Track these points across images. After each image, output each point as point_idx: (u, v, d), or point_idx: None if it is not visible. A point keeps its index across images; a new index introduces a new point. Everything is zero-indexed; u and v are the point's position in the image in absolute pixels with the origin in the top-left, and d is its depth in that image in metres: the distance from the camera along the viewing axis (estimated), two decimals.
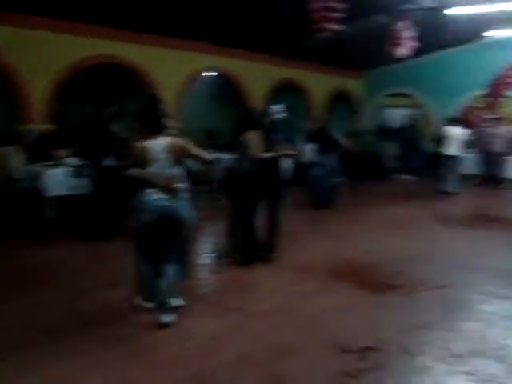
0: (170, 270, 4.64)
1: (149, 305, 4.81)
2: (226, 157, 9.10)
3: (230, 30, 12.15)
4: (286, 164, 11.57)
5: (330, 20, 8.85)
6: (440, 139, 12.88)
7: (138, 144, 4.67)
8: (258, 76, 14.55)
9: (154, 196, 4.60)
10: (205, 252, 7.20)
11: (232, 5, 10.12)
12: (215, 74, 14.88)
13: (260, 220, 6.59)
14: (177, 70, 12.54)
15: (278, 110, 6.56)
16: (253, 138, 6.21)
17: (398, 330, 4.52)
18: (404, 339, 4.34)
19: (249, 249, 6.46)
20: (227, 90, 15.47)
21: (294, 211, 10.09)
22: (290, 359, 3.96)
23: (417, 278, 5.99)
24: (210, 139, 14.41)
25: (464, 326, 4.69)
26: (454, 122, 13.23)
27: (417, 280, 5.90)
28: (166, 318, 4.54)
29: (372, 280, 5.91)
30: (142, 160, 4.61)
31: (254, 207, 6.46)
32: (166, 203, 4.60)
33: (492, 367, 3.90)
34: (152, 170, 4.60)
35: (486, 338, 4.41)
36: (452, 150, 12.64)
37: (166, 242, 4.70)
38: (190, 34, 12.07)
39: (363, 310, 5.01)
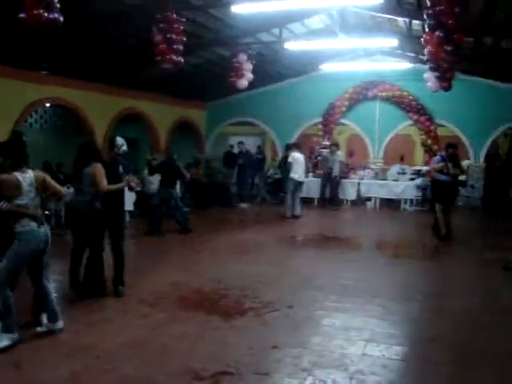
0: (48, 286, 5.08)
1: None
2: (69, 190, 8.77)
3: (70, 60, 11.79)
4: (130, 195, 11.53)
5: (172, 52, 9.00)
6: (286, 165, 13.49)
7: (10, 176, 4.63)
8: (100, 106, 14.21)
9: (34, 225, 4.75)
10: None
11: (72, 35, 9.86)
12: (54, 105, 14.36)
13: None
14: (11, 101, 11.75)
15: (122, 142, 6.51)
16: (97, 170, 6.05)
17: (250, 352, 4.65)
18: (255, 360, 4.47)
19: (90, 284, 6.30)
20: (69, 121, 15.00)
21: (140, 242, 9.99)
22: None
23: (264, 300, 6.20)
24: (54, 172, 13.70)
25: (309, 340, 4.96)
26: (295, 147, 13.96)
27: (265, 302, 6.11)
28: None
29: (221, 306, 6.00)
30: (14, 192, 4.64)
31: (97, 241, 6.33)
32: (47, 230, 4.92)
33: (335, 376, 4.17)
34: (25, 201, 4.69)
35: (329, 350, 4.71)
36: (297, 174, 13.29)
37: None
38: (25, 62, 11.49)
39: (214, 336, 5.06)
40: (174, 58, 9.02)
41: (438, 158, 10.82)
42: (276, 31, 12.88)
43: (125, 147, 6.56)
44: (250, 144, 20.35)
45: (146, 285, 6.91)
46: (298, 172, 13.27)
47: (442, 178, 10.34)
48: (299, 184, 13.46)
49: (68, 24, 6.78)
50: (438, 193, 10.54)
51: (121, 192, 6.44)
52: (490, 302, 6.45)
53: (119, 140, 6.54)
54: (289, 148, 14.24)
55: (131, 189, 6.61)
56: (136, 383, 4.04)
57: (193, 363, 4.38)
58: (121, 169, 6.39)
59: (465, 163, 16.98)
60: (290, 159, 13.42)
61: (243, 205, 15.47)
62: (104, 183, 6.01)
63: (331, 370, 4.30)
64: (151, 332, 5.16)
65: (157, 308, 5.91)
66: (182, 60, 9.27)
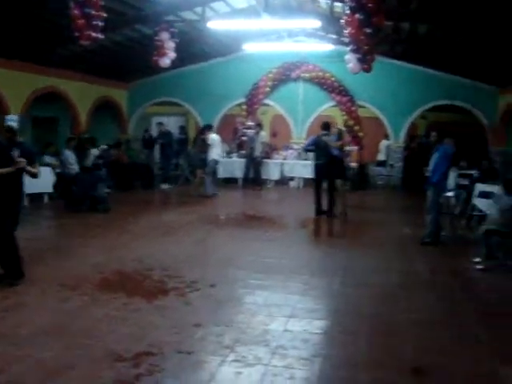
0: None
1: None
2: None
3: None
4: (49, 177, 11.21)
5: (91, 27, 8.68)
6: (205, 145, 13.50)
7: None
8: (16, 84, 13.51)
9: None
10: None
11: None
12: None
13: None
14: None
15: (14, 119, 6.15)
16: None
17: (173, 332, 4.63)
18: (178, 339, 4.46)
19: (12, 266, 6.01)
20: None
21: (61, 224, 9.70)
22: (63, 377, 3.78)
23: (187, 279, 6.19)
24: None
25: (232, 318, 5.00)
26: (210, 129, 14.15)
27: (188, 282, 6.10)
28: None
29: (144, 287, 5.93)
30: None
31: None
32: None
33: (257, 351, 4.24)
34: None
35: (251, 327, 4.77)
36: (217, 155, 13.36)
37: None
38: None
39: (136, 317, 5.00)
40: (93, 34, 8.69)
41: (333, 136, 11.07)
42: (199, 10, 12.70)
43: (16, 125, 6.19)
44: (175, 124, 20.15)
45: (67, 268, 6.70)
46: (218, 152, 13.46)
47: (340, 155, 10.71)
48: (216, 163, 13.74)
49: None
50: (341, 169, 10.87)
51: (15, 176, 5.98)
52: (407, 276, 6.74)
53: (10, 118, 6.20)
54: (207, 129, 14.23)
55: (27, 172, 6.14)
56: (55, 369, 3.91)
57: (114, 345, 4.31)
58: (16, 152, 5.91)
59: (384, 143, 17.61)
60: (209, 141, 13.52)
61: (164, 186, 15.27)
62: None
63: (253, 346, 4.36)
64: (71, 316, 5.02)
65: (77, 291, 5.74)
66: (102, 37, 8.96)
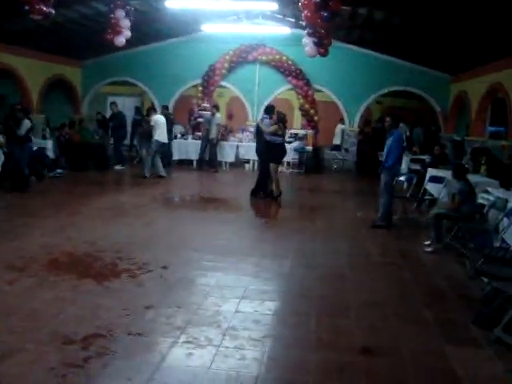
0: None
1: None
2: None
3: None
4: None
5: (41, 1, 8.41)
6: (149, 126, 13.41)
7: None
8: None
9: None
10: None
11: None
12: None
13: None
14: None
15: None
16: None
17: (123, 313, 4.59)
18: (129, 321, 4.43)
19: None
20: None
21: (8, 203, 9.44)
22: (8, 361, 3.70)
23: (139, 261, 6.14)
24: None
25: (184, 300, 5.00)
26: (154, 110, 14.26)
27: (139, 263, 6.05)
28: None
29: (95, 269, 5.85)
30: None
31: None
32: None
33: (209, 333, 4.26)
34: None
35: (203, 308, 4.79)
36: (161, 137, 13.33)
37: None
38: None
39: (86, 299, 4.94)
40: (44, 8, 8.45)
41: (267, 120, 11.13)
42: None
43: None
44: (131, 105, 19.84)
45: (14, 249, 6.53)
46: (161, 134, 13.38)
47: (278, 140, 10.74)
48: (162, 145, 13.62)
49: None
50: (275, 154, 10.87)
51: None
52: (357, 258, 6.87)
53: None
54: (149, 110, 14.15)
55: None
56: (2, 353, 3.81)
57: (63, 328, 4.25)
58: None
59: (339, 127, 17.80)
60: (152, 123, 13.44)
61: (118, 167, 14.98)
62: None
63: (205, 327, 4.37)
64: (18, 298, 4.90)
65: (25, 273, 5.62)
66: (53, 11, 8.70)
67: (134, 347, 4.00)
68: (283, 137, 11.08)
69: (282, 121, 10.82)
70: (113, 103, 15.76)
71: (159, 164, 13.50)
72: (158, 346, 4.04)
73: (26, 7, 8.36)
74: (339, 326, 4.57)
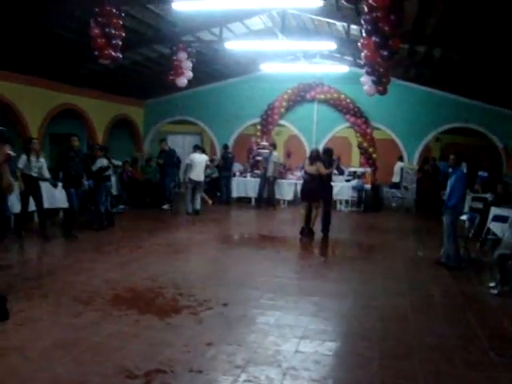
0: None
1: None
2: None
3: (3, 52, 11.36)
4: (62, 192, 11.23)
5: (110, 47, 8.83)
6: (186, 166, 13.69)
7: None
8: (35, 101, 13.75)
9: None
10: None
11: (4, 25, 9.52)
12: None
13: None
14: None
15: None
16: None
17: (185, 350, 4.63)
18: (190, 358, 4.46)
19: None
20: (1, 115, 14.48)
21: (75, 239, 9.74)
22: None
23: (200, 298, 6.20)
24: None
25: (244, 338, 5.00)
26: (198, 148, 14.20)
27: (200, 300, 6.11)
28: None
29: (156, 304, 5.96)
30: None
31: None
32: None
33: (269, 372, 4.23)
34: None
35: (263, 347, 4.76)
36: (194, 175, 13.48)
37: None
38: None
39: (148, 334, 5.02)
40: (112, 53, 8.85)
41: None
42: (216, 30, 12.86)
43: None
44: (190, 143, 20.25)
45: (79, 283, 6.75)
46: (195, 172, 13.50)
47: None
48: (198, 183, 13.66)
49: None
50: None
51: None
52: (419, 299, 6.68)
53: None
54: (194, 149, 14.23)
55: None
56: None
57: (126, 362, 4.32)
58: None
59: (398, 165, 17.58)
60: (187, 161, 13.69)
61: (165, 207, 14.69)
62: None
63: (265, 366, 4.35)
64: (83, 331, 5.04)
65: (90, 306, 5.79)
66: (121, 56, 9.11)
67: None
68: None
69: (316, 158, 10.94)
70: (163, 140, 15.73)
71: (197, 200, 13.68)
72: (218, 383, 4.04)
73: (96, 52, 8.79)
74: (402, 370, 4.44)
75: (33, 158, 9.79)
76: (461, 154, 8.76)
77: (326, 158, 11.25)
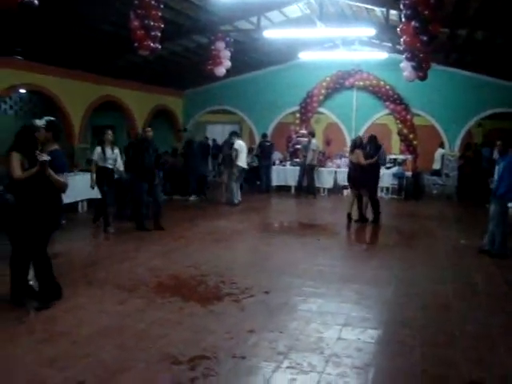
0: None
1: None
2: None
3: (46, 46, 11.62)
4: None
5: (149, 38, 8.93)
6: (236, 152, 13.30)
7: None
8: (77, 93, 14.05)
9: None
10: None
11: (47, 20, 9.72)
12: (29, 91, 14.23)
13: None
14: None
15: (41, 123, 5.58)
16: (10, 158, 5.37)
17: (227, 337, 4.71)
18: (233, 344, 4.54)
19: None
20: (44, 108, 14.85)
21: (118, 228, 9.92)
22: (121, 376, 3.93)
23: (242, 286, 6.28)
24: None
25: (286, 325, 5.04)
26: (237, 135, 14.01)
27: (242, 288, 6.19)
28: None
29: (200, 292, 6.06)
30: None
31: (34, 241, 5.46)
32: None
33: (311, 359, 4.26)
34: None
35: (305, 334, 4.80)
36: (242, 162, 13.37)
37: None
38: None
39: (191, 321, 5.12)
40: (152, 44, 8.94)
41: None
42: (254, 19, 12.86)
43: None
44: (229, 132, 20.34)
45: (125, 271, 6.94)
46: (242, 159, 13.36)
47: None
48: (243, 171, 13.61)
49: (43, 9, 6.70)
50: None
51: (45, 186, 5.35)
52: (461, 287, 6.60)
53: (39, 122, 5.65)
54: (237, 136, 13.95)
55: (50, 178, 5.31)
56: (114, 369, 4.05)
57: (170, 348, 4.43)
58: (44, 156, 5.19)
59: (439, 152, 17.28)
60: (236, 146, 13.33)
61: (192, 198, 14.45)
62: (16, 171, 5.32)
63: (307, 353, 4.39)
64: (128, 318, 5.18)
65: (134, 294, 5.94)
66: (160, 47, 9.20)
67: (238, 370, 4.09)
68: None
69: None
70: (185, 129, 15.28)
71: (238, 191, 13.55)
72: (261, 370, 4.10)
73: (135, 44, 8.91)
74: (445, 358, 4.41)
75: (108, 150, 9.61)
76: (508, 141, 8.50)
77: (372, 145, 11.21)
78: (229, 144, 13.97)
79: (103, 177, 9.60)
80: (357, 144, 11.07)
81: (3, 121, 14.35)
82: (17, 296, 5.53)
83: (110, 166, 9.66)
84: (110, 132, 9.85)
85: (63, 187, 5.51)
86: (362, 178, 10.91)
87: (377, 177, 11.51)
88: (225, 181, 14.27)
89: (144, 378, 3.93)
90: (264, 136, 16.89)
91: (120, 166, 9.96)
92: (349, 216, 11.01)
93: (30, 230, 5.38)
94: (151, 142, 10.09)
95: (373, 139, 11.45)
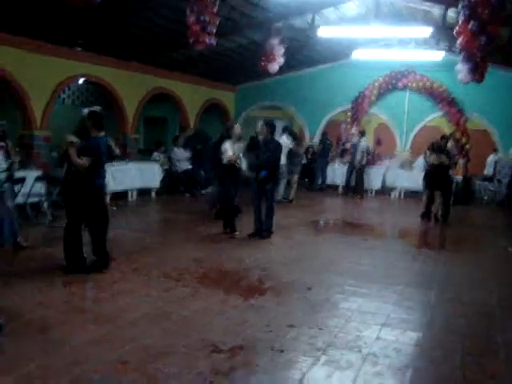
0: None
1: None
2: None
3: (104, 38, 11.99)
4: (157, 173, 11.66)
5: (205, 34, 9.08)
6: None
7: None
8: (131, 84, 14.41)
9: None
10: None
11: (107, 14, 10.02)
12: (87, 81, 14.66)
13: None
14: (45, 76, 11.96)
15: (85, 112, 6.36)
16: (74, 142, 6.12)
17: (267, 329, 4.79)
18: (272, 337, 4.61)
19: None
20: (100, 98, 15.28)
21: (166, 219, 10.14)
22: (162, 360, 4.05)
23: (284, 281, 6.36)
24: None
25: (326, 322, 5.09)
26: (287, 131, 14.01)
27: (284, 283, 6.28)
28: None
29: (243, 285, 6.17)
30: None
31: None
32: None
33: (349, 356, 4.30)
34: None
35: (345, 332, 4.83)
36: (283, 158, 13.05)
37: None
38: (60, 39, 11.68)
39: (233, 312, 5.22)
40: (207, 40, 9.10)
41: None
42: (309, 17, 12.87)
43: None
44: (279, 128, 20.38)
45: (171, 259, 7.15)
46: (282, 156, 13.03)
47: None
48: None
49: (103, 3, 6.95)
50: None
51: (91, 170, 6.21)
52: (507, 297, 6.47)
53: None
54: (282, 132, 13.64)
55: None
56: (157, 353, 4.18)
57: (212, 337, 4.54)
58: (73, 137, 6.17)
59: (492, 157, 16.84)
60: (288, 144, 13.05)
61: (204, 191, 13.77)
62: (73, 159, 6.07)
63: (345, 350, 4.42)
64: (173, 305, 5.34)
65: (180, 282, 6.11)
66: (215, 43, 9.35)
67: (276, 362, 4.16)
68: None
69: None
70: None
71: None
72: (298, 363, 4.16)
73: (191, 39, 9.08)
74: (486, 366, 4.35)
75: (235, 144, 9.08)
76: None
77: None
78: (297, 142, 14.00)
79: (230, 172, 9.01)
80: (441, 148, 11.47)
81: (61, 109, 14.81)
82: (70, 265, 6.25)
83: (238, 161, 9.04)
84: (237, 125, 9.58)
85: (79, 167, 6.08)
86: (440, 180, 11.31)
87: (452, 180, 11.90)
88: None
89: (185, 363, 4.04)
90: (324, 134, 16.96)
91: (242, 162, 9.37)
92: (423, 215, 11.56)
93: (74, 202, 6.24)
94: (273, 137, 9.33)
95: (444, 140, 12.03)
